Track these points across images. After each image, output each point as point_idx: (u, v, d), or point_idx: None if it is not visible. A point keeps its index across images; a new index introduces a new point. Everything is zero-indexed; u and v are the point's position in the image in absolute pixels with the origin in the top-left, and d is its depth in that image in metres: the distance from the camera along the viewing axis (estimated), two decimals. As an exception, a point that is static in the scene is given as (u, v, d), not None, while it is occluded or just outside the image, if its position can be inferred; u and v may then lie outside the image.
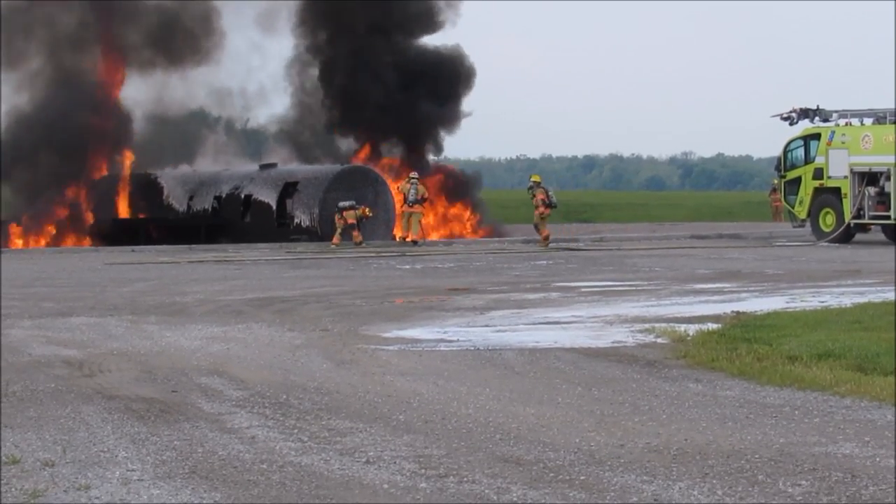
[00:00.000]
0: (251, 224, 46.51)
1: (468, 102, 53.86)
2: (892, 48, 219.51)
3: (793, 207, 42.98)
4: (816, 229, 42.15)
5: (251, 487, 8.25)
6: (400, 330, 16.98)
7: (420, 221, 42.49)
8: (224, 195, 47.86)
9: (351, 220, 41.04)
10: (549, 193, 41.79)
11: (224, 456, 9.15)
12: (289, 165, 49.67)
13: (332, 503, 7.92)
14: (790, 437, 9.67)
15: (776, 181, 64.48)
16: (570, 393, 11.77)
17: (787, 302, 20.38)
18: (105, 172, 49.75)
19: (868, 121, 41.87)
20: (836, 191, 41.47)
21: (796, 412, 10.67)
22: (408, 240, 41.46)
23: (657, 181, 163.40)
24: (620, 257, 34.24)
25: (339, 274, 28.66)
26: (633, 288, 23.80)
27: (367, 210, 41.59)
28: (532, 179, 42.93)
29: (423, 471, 8.65)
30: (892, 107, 41.66)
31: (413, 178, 42.45)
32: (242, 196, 47.12)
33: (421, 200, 42.12)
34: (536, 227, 41.74)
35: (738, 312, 18.11)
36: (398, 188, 43.58)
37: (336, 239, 40.87)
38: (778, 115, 43.64)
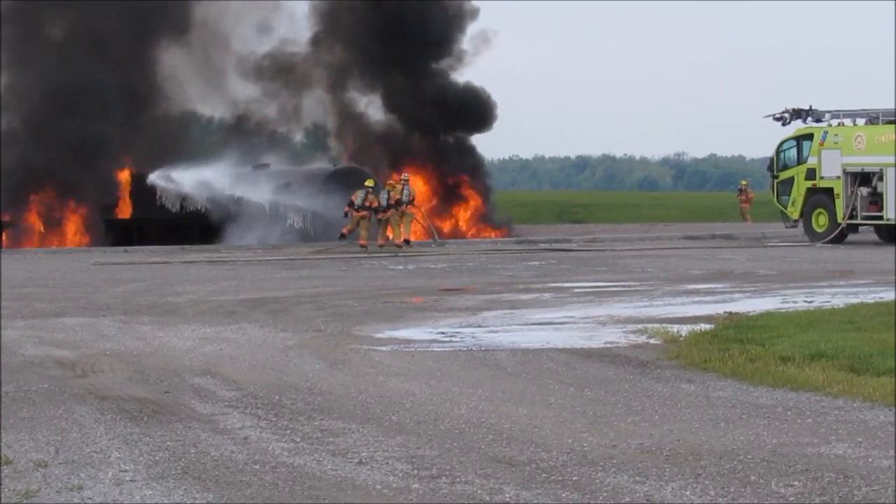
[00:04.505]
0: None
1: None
2: (891, 48, 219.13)
3: (785, 208, 42.97)
4: (809, 230, 42.15)
5: (244, 488, 8.25)
6: (393, 330, 16.97)
7: (411, 222, 42.36)
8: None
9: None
10: (382, 198, 40.30)
11: (217, 456, 9.14)
12: (282, 166, 49.58)
13: (324, 504, 7.93)
14: (783, 437, 9.68)
15: (743, 182, 64.76)
16: (563, 393, 11.78)
17: (780, 302, 20.39)
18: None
19: (860, 121, 41.88)
20: (829, 191, 41.46)
21: (789, 413, 10.68)
22: (401, 240, 41.36)
23: (650, 182, 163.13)
24: (613, 258, 34.23)
25: (331, 274, 28.66)
26: (626, 288, 23.81)
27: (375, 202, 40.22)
28: (366, 185, 40.57)
29: (415, 471, 8.65)
30: (884, 107, 41.67)
31: (404, 179, 42.36)
32: (235, 197, 47.03)
33: (412, 201, 41.99)
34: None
35: (730, 313, 18.12)
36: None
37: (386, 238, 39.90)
38: (770, 116, 43.61)
